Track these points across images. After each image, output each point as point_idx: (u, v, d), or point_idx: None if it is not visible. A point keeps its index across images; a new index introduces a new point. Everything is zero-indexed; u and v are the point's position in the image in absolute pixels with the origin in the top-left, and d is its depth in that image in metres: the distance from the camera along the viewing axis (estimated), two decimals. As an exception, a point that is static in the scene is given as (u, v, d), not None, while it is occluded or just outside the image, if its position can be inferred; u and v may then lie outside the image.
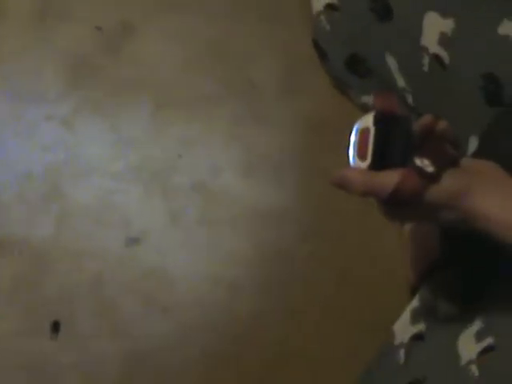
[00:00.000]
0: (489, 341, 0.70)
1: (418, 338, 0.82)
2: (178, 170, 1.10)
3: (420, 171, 0.67)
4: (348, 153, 0.73)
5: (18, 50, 1.17)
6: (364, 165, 0.73)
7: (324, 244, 1.06)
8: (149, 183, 1.08)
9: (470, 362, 0.70)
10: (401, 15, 0.84)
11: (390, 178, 0.68)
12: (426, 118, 0.70)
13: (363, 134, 0.71)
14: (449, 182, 0.67)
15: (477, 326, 0.74)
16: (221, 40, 1.23)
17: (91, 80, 1.17)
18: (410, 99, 0.90)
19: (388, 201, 0.69)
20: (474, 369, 0.70)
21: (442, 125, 0.69)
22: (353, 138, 0.72)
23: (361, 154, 0.72)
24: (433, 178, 0.67)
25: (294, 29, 1.17)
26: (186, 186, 1.09)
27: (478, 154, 0.79)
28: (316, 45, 0.99)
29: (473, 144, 0.81)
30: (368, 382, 0.87)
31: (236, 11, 1.28)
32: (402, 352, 0.82)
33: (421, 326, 0.82)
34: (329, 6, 0.92)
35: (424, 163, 0.67)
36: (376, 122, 0.70)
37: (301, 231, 1.07)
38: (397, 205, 0.69)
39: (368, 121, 0.71)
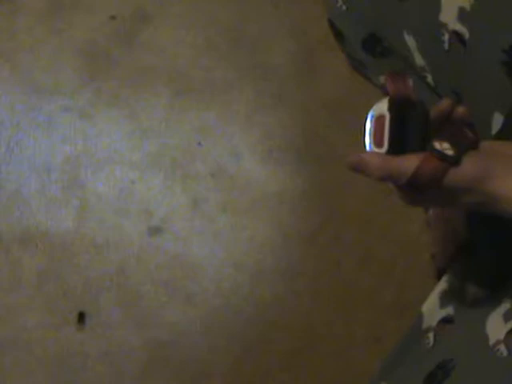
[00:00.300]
0: None
1: (447, 321, 0.81)
2: (197, 157, 1.09)
3: (440, 155, 0.65)
4: (364, 141, 0.72)
5: (33, 42, 1.17)
6: (381, 152, 0.72)
7: (346, 227, 1.05)
8: (169, 172, 1.08)
9: (498, 342, 0.70)
10: None
11: (408, 162, 0.66)
12: (445, 103, 0.68)
13: (378, 120, 0.70)
14: (469, 166, 0.66)
15: (505, 307, 0.73)
16: (236, 25, 1.22)
17: (107, 70, 1.16)
18: (429, 78, 0.89)
19: (407, 186, 0.68)
20: (503, 348, 0.69)
21: (461, 109, 0.68)
22: (368, 125, 0.71)
23: (377, 141, 0.71)
24: (453, 162, 0.65)
25: (308, 10, 1.15)
26: (206, 173, 1.08)
27: (503, 132, 0.78)
28: (332, 25, 0.97)
29: (497, 121, 0.79)
30: (395, 366, 0.86)
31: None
32: (431, 335, 0.81)
33: (449, 310, 0.82)
34: None
35: (444, 146, 0.66)
36: (390, 107, 0.69)
37: (323, 215, 1.06)
38: (416, 190, 0.68)
39: (382, 107, 0.70)
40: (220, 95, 1.10)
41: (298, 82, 1.12)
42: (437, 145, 0.66)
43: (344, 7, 0.92)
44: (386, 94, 0.71)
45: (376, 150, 0.70)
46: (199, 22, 1.23)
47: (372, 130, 0.70)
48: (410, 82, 0.69)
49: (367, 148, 0.71)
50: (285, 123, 1.11)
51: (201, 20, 1.23)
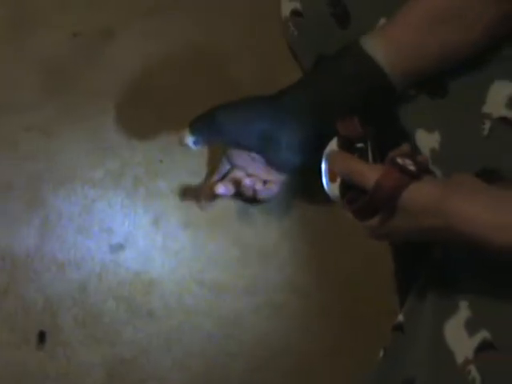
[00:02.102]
0: (484, 335, 0.69)
1: (396, 328, 0.82)
2: (159, 175, 1.10)
3: (402, 168, 0.68)
4: (322, 181, 0.77)
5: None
6: (335, 186, 0.76)
7: (306, 242, 1.06)
8: (130, 189, 1.09)
9: (467, 362, 0.69)
10: (357, 19, 0.85)
11: (371, 172, 0.70)
12: (405, 148, 0.74)
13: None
14: (429, 184, 0.69)
15: (465, 314, 0.72)
16: (200, 41, 1.23)
17: (70, 87, 1.17)
18: None
19: (366, 204, 0.70)
20: (474, 372, 0.68)
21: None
22: (323, 165, 0.76)
23: (332, 177, 0.77)
24: (414, 176, 0.68)
25: (273, 28, 1.16)
26: (167, 190, 1.09)
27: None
28: (290, 48, 1.00)
29: None
30: None
31: (213, 12, 1.28)
32: (381, 351, 0.82)
33: (400, 316, 0.82)
34: (294, 13, 0.93)
35: (406, 162, 0.69)
36: (340, 145, 0.77)
37: (282, 229, 1.07)
38: (375, 207, 0.70)
39: (333, 145, 0.78)
40: (183, 112, 1.11)
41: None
42: (399, 160, 0.69)
43: (296, 32, 0.94)
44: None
45: (332, 185, 0.75)
46: (163, 39, 1.23)
47: (326, 168, 0.76)
48: (358, 121, 0.75)
49: (325, 187, 0.76)
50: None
51: (164, 36, 1.23)
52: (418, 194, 0.68)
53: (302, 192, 1.08)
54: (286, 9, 0.95)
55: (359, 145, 0.77)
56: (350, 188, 0.74)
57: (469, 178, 0.70)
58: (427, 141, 0.82)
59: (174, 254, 1.05)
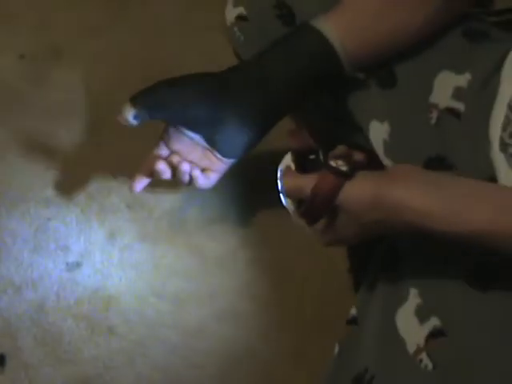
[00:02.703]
0: (434, 322, 0.70)
1: (350, 322, 0.82)
2: (112, 190, 1.10)
3: (335, 170, 0.71)
4: (278, 195, 0.79)
5: None
6: (290, 201, 0.79)
7: (264, 249, 1.07)
8: (84, 206, 1.08)
9: (418, 350, 0.70)
10: (303, 20, 0.86)
11: (309, 179, 0.73)
12: (341, 149, 0.74)
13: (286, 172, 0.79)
14: (364, 179, 0.70)
15: (414, 302, 0.73)
16: (148, 57, 1.23)
17: (19, 110, 1.17)
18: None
19: (311, 204, 0.72)
20: (426, 359, 0.69)
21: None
22: (279, 181, 0.78)
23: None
24: (347, 175, 0.70)
25: (219, 38, 1.18)
26: (122, 205, 1.09)
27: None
28: (236, 54, 1.00)
29: None
30: None
31: (159, 27, 1.29)
32: (336, 345, 0.83)
33: (352, 310, 0.83)
34: (239, 18, 0.94)
35: (338, 163, 0.71)
36: (294, 158, 0.79)
37: (239, 236, 1.08)
38: (318, 212, 0.72)
39: (287, 160, 0.79)
40: (133, 129, 1.12)
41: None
42: (332, 163, 0.72)
43: (242, 37, 0.95)
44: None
45: (288, 200, 0.78)
46: (111, 57, 1.24)
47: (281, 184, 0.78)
48: (307, 133, 0.77)
49: (283, 202, 0.78)
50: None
51: (112, 55, 1.24)
52: (352, 191, 0.70)
53: (260, 199, 1.09)
54: (231, 14, 0.95)
55: (311, 156, 0.79)
56: (302, 201, 0.76)
57: (403, 167, 0.71)
58: (380, 132, 0.84)
59: (131, 268, 1.05)
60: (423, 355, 0.69)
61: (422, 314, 0.72)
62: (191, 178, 0.91)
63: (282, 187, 0.79)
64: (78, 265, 1.04)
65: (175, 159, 0.90)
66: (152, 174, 0.93)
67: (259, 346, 1.00)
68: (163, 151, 0.91)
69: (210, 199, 1.10)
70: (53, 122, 1.16)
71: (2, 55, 1.21)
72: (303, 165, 0.80)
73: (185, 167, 0.89)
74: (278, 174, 0.80)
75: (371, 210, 0.69)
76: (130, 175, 1.09)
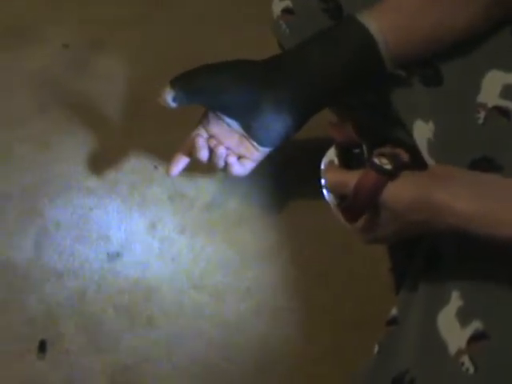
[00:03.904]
0: (476, 325, 0.69)
1: (391, 322, 0.82)
2: (154, 181, 1.11)
3: (379, 168, 0.70)
4: (321, 190, 0.79)
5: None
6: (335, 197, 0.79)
7: (305, 245, 1.06)
8: (126, 196, 1.09)
9: (460, 352, 0.69)
10: (350, 11, 0.85)
11: (351, 176, 0.72)
12: (385, 147, 0.74)
13: None
14: (409, 180, 0.70)
15: (456, 304, 0.72)
16: (189, 48, 1.23)
17: (61, 98, 1.18)
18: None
19: (352, 201, 0.71)
20: (467, 362, 0.68)
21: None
22: (322, 175, 0.78)
23: None
24: (391, 175, 0.69)
25: (260, 29, 1.17)
26: (163, 196, 1.10)
27: None
28: (281, 47, 1.00)
29: None
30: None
31: (198, 16, 1.29)
32: (376, 346, 0.82)
33: (393, 310, 0.82)
34: (285, 11, 0.93)
35: (382, 161, 0.70)
36: (338, 153, 0.79)
37: (281, 232, 1.07)
38: (361, 209, 0.71)
39: (331, 154, 0.79)
40: (175, 118, 1.12)
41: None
42: (376, 160, 0.71)
43: (287, 31, 0.94)
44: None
45: (332, 196, 0.77)
46: (152, 48, 1.24)
47: None
48: (350, 126, 0.76)
49: (326, 197, 0.78)
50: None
51: (154, 45, 1.25)
52: (395, 191, 0.69)
53: (302, 194, 1.08)
54: (277, 7, 0.95)
55: (356, 150, 0.78)
56: (345, 198, 0.76)
57: (447, 167, 0.71)
58: (424, 131, 0.83)
59: (171, 259, 1.05)
60: (465, 358, 0.68)
61: (463, 317, 0.71)
62: (226, 165, 0.91)
63: (324, 182, 0.79)
64: (118, 255, 1.05)
65: (212, 143, 0.91)
66: (190, 153, 0.94)
67: (297, 343, 1.00)
68: (201, 134, 0.93)
69: (251, 193, 1.10)
70: (95, 110, 1.17)
71: (46, 44, 1.22)
72: (347, 159, 0.79)
73: (221, 151, 0.90)
74: (322, 168, 0.79)
75: (414, 210, 0.68)
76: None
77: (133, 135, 1.14)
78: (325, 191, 0.80)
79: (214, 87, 0.85)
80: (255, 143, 0.90)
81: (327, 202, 0.82)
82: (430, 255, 0.81)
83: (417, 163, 0.74)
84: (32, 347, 0.97)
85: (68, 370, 0.96)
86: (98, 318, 1.00)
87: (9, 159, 1.12)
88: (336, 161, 0.80)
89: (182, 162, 0.96)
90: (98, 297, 1.01)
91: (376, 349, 0.82)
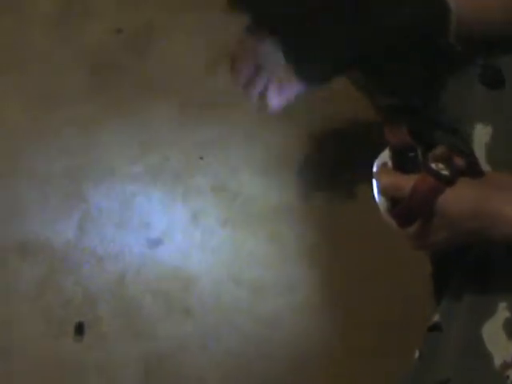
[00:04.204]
0: None
1: (432, 329, 0.79)
2: (199, 171, 1.10)
3: (436, 173, 0.69)
4: (372, 189, 0.77)
5: (41, 52, 1.18)
6: (384, 199, 0.77)
7: (345, 242, 1.05)
8: (170, 185, 1.09)
9: (505, 365, 0.67)
10: None
11: (408, 180, 0.71)
12: (441, 151, 0.72)
13: None
14: (466, 186, 0.68)
15: (503, 315, 0.70)
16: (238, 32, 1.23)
17: (113, 82, 1.18)
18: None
19: (407, 205, 0.70)
20: None
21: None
22: (375, 177, 0.77)
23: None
24: (448, 181, 0.68)
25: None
26: (206, 187, 1.09)
27: None
28: None
29: None
30: None
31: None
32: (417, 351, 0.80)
33: (436, 316, 0.80)
34: None
35: (439, 167, 0.69)
36: (392, 155, 0.77)
37: (323, 229, 1.06)
38: (414, 215, 0.70)
39: (385, 156, 0.77)
40: (224, 110, 1.11)
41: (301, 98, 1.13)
42: (433, 165, 0.70)
43: None
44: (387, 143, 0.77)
45: (382, 198, 0.76)
46: (207, 35, 1.23)
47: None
48: (406, 131, 0.74)
49: (376, 199, 0.77)
50: (286, 138, 1.12)
51: (208, 32, 1.24)
52: (452, 198, 0.67)
53: (346, 193, 1.07)
54: None
55: (410, 154, 0.77)
56: (397, 202, 0.74)
57: (505, 176, 0.69)
58: (482, 135, 0.81)
59: (211, 252, 1.04)
60: (510, 372, 0.66)
61: (510, 329, 0.69)
62: (263, 91, 0.85)
63: (377, 183, 0.78)
64: (159, 242, 1.04)
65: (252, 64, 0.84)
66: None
67: (335, 342, 0.99)
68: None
69: (294, 189, 1.09)
70: (145, 95, 1.17)
71: (102, 26, 1.22)
72: (400, 163, 0.78)
73: (265, 73, 0.84)
74: (374, 170, 0.78)
75: (470, 219, 0.66)
76: (218, 157, 1.11)
77: (181, 124, 1.14)
78: (376, 193, 0.79)
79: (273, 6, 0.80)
80: (293, 72, 0.82)
81: (373, 203, 0.81)
82: (477, 265, 0.79)
83: (472, 169, 0.73)
84: (69, 329, 0.97)
85: (103, 354, 0.96)
86: (135, 303, 1.00)
87: (56, 140, 1.12)
88: (390, 163, 0.79)
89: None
90: (137, 283, 1.01)
91: (417, 354, 0.81)
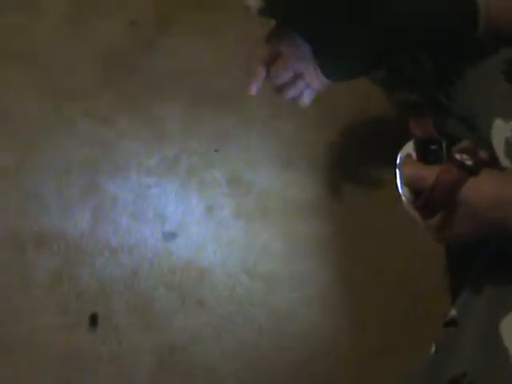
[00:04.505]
0: None
1: (448, 324, 0.79)
2: (214, 164, 1.10)
3: (460, 164, 0.68)
4: (396, 183, 0.77)
5: (54, 46, 1.19)
6: (407, 190, 0.77)
7: (359, 238, 1.04)
8: (185, 177, 1.09)
9: None
10: None
11: (432, 171, 0.71)
12: (466, 144, 0.72)
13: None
14: (490, 177, 0.68)
15: None
16: (257, 33, 1.22)
17: (127, 75, 1.18)
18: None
19: (430, 196, 0.69)
20: None
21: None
22: (397, 169, 0.76)
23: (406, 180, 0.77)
24: (472, 171, 0.68)
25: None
26: (221, 179, 1.09)
27: None
28: None
29: None
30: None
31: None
32: (433, 346, 0.80)
33: (452, 311, 0.80)
34: None
35: (463, 157, 0.69)
36: (416, 146, 0.77)
37: (337, 224, 1.06)
38: (439, 205, 0.69)
39: (409, 148, 0.78)
40: (238, 102, 1.11)
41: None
42: (457, 156, 0.70)
43: None
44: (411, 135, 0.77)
45: (405, 189, 0.75)
46: (219, 30, 1.24)
47: (400, 172, 0.76)
48: (431, 122, 0.74)
49: (400, 191, 0.76)
50: (302, 131, 1.12)
51: (221, 28, 1.24)
52: (476, 188, 0.67)
53: (361, 186, 1.07)
54: None
55: (434, 147, 0.76)
56: (421, 194, 0.74)
57: None
58: (503, 130, 0.80)
59: (226, 244, 1.04)
60: None
61: None
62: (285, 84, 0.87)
63: (400, 175, 0.77)
64: (173, 235, 1.04)
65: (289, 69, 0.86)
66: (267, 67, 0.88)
67: (348, 337, 0.98)
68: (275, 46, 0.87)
69: (309, 183, 1.08)
70: (160, 89, 1.17)
71: (114, 20, 1.23)
72: (424, 154, 0.77)
73: (292, 66, 0.85)
74: (398, 161, 0.78)
75: (493, 209, 0.66)
76: (233, 150, 1.11)
77: (196, 116, 1.14)
78: (399, 185, 0.78)
79: (300, 10, 0.80)
80: (319, 70, 0.84)
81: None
82: (498, 259, 0.78)
83: (496, 163, 0.72)
84: (82, 320, 0.98)
85: (117, 345, 0.96)
86: (149, 296, 1.00)
87: (71, 133, 1.12)
88: (414, 155, 0.78)
89: (260, 77, 0.88)
90: (151, 275, 1.01)
91: (433, 348, 0.80)
